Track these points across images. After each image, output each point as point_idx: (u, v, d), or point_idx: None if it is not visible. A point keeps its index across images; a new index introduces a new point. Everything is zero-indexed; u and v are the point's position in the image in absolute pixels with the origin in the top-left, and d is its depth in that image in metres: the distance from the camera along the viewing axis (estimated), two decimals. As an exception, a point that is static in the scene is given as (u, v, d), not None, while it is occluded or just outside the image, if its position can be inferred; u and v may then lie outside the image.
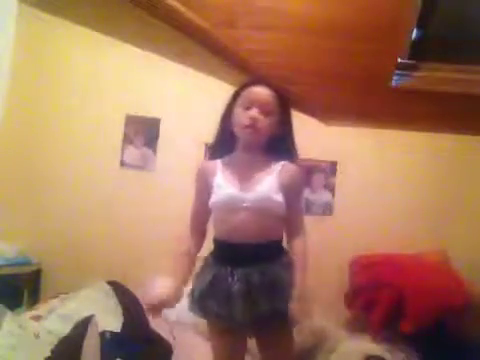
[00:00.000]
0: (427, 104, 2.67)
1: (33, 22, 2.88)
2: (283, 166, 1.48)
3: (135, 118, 3.02)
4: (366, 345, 2.41)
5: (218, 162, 1.53)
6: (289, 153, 1.53)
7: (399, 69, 2.44)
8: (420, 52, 2.39)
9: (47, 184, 2.95)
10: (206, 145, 2.56)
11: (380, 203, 2.98)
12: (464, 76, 2.43)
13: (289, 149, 1.53)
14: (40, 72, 2.97)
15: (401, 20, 2.10)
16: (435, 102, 2.60)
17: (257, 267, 1.39)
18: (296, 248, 1.45)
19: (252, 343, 1.54)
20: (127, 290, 2.31)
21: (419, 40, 2.35)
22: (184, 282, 1.49)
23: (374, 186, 3.01)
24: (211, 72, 2.84)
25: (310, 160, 2.94)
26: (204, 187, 1.51)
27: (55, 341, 1.68)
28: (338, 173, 3.04)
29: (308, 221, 1.53)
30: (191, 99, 3.00)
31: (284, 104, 1.51)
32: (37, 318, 2.00)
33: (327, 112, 3.01)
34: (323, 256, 2.60)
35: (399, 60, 2.40)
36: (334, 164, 3.04)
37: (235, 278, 1.39)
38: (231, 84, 2.32)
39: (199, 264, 1.52)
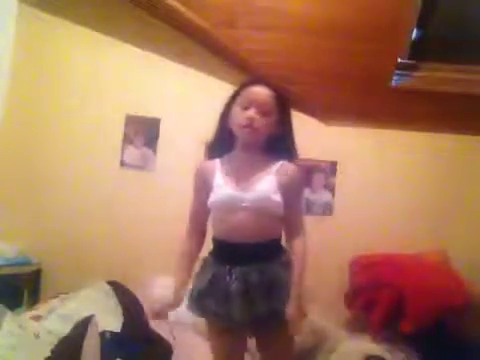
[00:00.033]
0: (427, 104, 2.67)
1: (33, 22, 2.88)
2: (282, 166, 1.48)
3: (135, 118, 3.02)
4: (366, 345, 2.41)
5: (217, 162, 1.52)
6: (289, 153, 1.52)
7: (399, 69, 2.44)
8: (420, 52, 2.39)
9: (47, 184, 2.95)
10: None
11: (380, 203, 2.98)
12: (464, 76, 2.43)
13: (289, 149, 1.53)
14: (40, 72, 2.97)
15: (401, 20, 2.10)
16: (435, 102, 2.60)
17: (256, 266, 1.39)
18: (296, 248, 1.45)
19: (252, 343, 1.54)
20: (127, 290, 2.31)
21: (419, 40, 2.35)
22: (185, 283, 1.49)
23: (374, 186, 3.01)
24: (211, 72, 2.83)
25: (310, 160, 2.93)
26: (203, 187, 1.51)
27: (55, 341, 1.68)
28: (338, 173, 3.04)
29: (308, 221, 1.53)
30: (191, 99, 3.00)
31: (283, 104, 1.51)
32: (37, 318, 2.00)
33: (327, 112, 3.01)
34: (323, 256, 2.61)
35: (399, 60, 2.40)
36: (334, 164, 3.04)
37: (233, 277, 1.39)
38: (231, 84, 2.31)
39: (199, 264, 1.52)
